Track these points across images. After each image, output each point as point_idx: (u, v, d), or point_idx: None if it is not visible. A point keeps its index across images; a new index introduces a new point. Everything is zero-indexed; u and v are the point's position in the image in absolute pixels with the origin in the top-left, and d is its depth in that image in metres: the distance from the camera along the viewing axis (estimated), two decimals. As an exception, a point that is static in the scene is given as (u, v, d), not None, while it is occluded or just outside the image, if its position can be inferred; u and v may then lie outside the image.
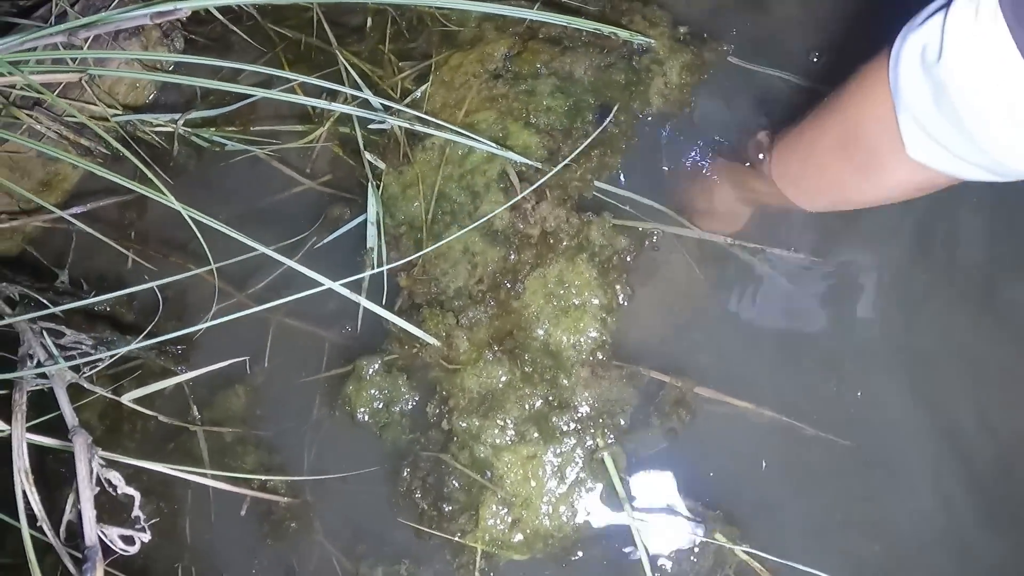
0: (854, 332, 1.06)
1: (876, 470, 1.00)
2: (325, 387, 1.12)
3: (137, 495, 0.81)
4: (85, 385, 0.95)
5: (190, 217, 0.88)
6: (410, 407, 1.06)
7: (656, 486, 1.01)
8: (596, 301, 1.04)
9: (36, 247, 1.35)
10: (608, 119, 1.12)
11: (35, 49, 1.07)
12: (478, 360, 1.03)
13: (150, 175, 0.91)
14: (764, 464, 1.01)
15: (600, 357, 1.02)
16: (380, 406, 1.07)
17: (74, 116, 1.27)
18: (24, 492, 0.82)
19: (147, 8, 0.97)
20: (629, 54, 1.16)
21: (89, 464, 0.82)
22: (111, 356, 1.10)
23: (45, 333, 0.99)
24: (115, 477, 0.83)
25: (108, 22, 1.01)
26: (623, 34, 1.13)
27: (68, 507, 0.84)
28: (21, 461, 0.83)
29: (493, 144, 1.07)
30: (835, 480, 1.01)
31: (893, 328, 1.05)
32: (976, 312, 1.05)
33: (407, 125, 1.07)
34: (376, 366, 1.07)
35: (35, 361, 0.95)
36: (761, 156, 0.98)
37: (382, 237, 1.10)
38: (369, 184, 1.09)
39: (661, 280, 1.08)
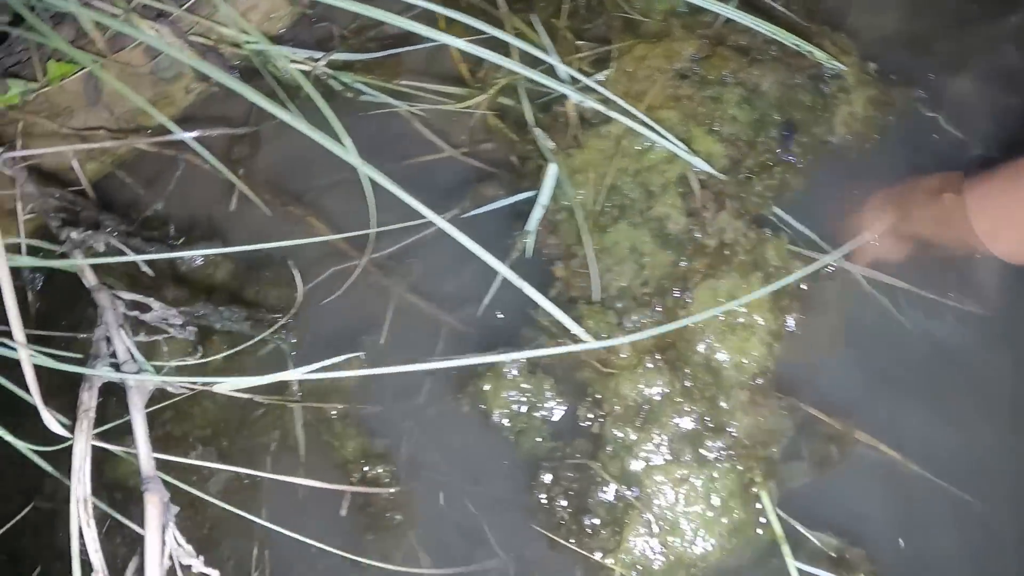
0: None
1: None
2: (446, 378, 1.05)
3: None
4: (170, 389, 0.80)
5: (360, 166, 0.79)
6: (555, 415, 1.00)
7: (806, 524, 0.96)
8: (763, 323, 0.99)
9: (129, 172, 1.27)
10: (793, 136, 1.08)
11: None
12: (638, 366, 0.97)
13: (283, 107, 0.81)
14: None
15: (760, 383, 0.97)
16: (521, 409, 1.00)
17: (201, 37, 1.20)
18: (80, 530, 0.65)
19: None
20: (817, 77, 1.13)
21: (162, 534, 0.65)
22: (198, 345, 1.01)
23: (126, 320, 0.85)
24: (189, 554, 0.67)
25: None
26: (819, 55, 1.10)
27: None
28: (81, 488, 0.66)
29: (680, 144, 1.02)
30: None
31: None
32: None
33: (592, 103, 1.01)
34: (521, 365, 1.00)
35: (111, 351, 0.80)
36: (951, 193, 0.94)
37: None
38: (549, 162, 1.03)
39: (831, 314, 1.03)
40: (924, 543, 0.96)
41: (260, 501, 1.03)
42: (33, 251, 0.99)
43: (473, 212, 1.08)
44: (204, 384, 0.77)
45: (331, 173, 1.14)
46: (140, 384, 0.73)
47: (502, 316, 1.06)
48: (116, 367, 0.76)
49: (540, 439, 0.99)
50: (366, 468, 1.03)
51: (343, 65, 1.19)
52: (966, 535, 0.96)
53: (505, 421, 1.00)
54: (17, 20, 1.06)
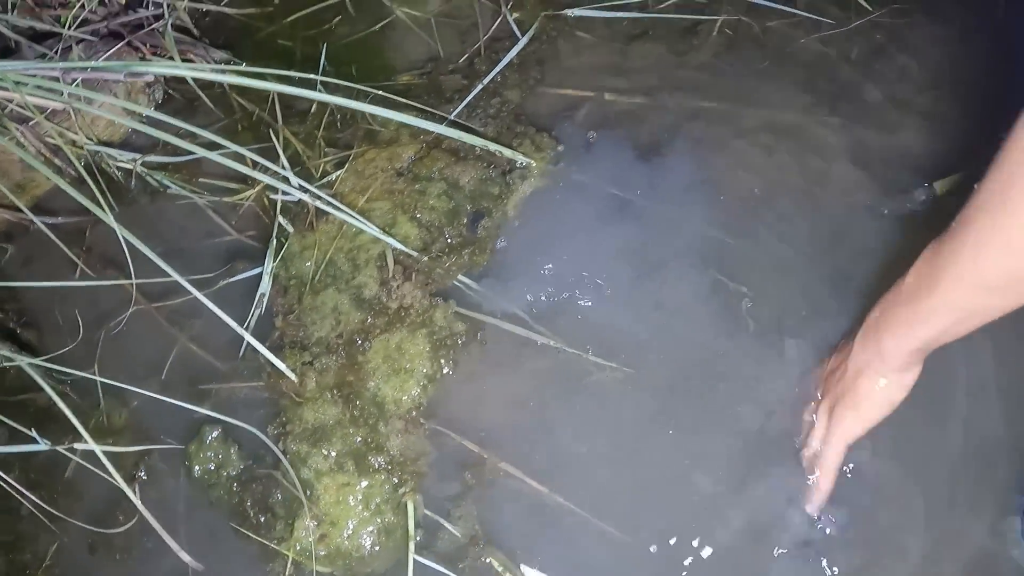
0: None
1: None
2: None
3: None
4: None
5: (124, 239, 1.24)
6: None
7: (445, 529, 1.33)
8: (424, 370, 1.38)
9: None
10: (480, 222, 1.49)
11: (36, 76, 1.47)
12: (319, 398, 1.37)
13: (101, 202, 1.27)
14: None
15: (414, 415, 1.36)
16: (212, 467, 1.40)
17: (54, 138, 1.67)
18: None
19: (125, 66, 1.38)
20: (509, 170, 1.54)
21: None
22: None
23: None
24: None
25: (97, 69, 1.42)
26: (507, 152, 1.51)
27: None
28: None
29: (379, 230, 1.43)
30: None
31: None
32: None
33: (318, 204, 1.44)
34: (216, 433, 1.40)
35: None
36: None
37: (273, 283, 1.47)
38: (271, 241, 1.47)
39: (485, 366, 1.42)
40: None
41: None
42: None
43: (228, 280, 1.51)
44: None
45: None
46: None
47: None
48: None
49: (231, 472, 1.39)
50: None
51: (158, 165, 1.65)
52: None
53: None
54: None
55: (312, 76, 1.38)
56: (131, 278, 1.56)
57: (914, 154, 1.57)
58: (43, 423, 1.34)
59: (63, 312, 1.57)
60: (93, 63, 1.33)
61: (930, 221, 1.26)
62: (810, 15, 1.78)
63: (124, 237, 1.22)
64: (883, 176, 1.55)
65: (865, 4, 1.77)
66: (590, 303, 1.43)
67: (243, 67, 1.74)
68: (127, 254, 1.28)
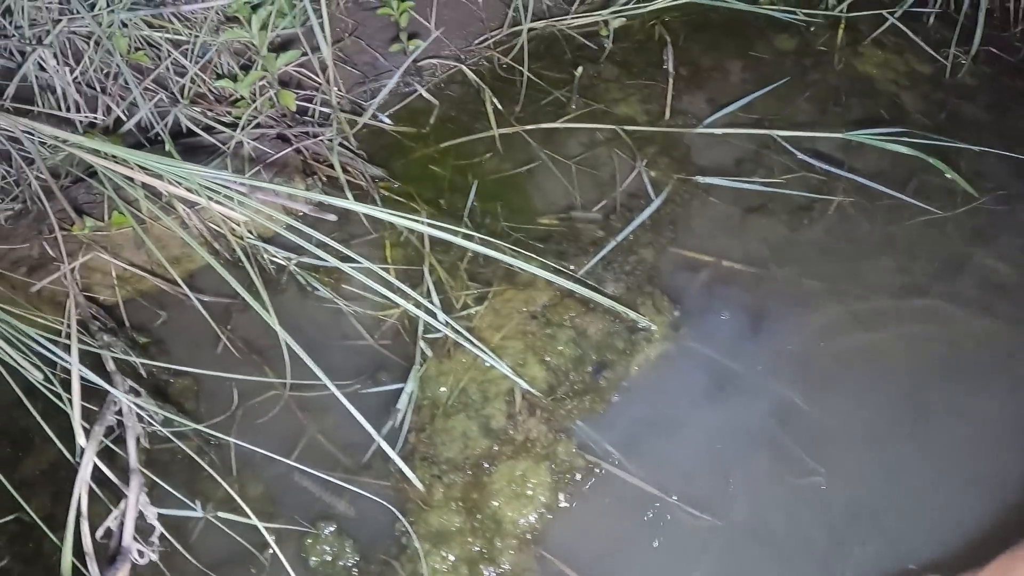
0: None
1: None
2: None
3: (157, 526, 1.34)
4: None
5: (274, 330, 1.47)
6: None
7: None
8: (542, 498, 1.59)
9: (148, 300, 1.97)
10: (602, 373, 1.71)
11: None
12: (444, 507, 1.58)
13: (261, 293, 1.50)
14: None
15: (528, 537, 1.57)
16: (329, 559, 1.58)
17: (218, 227, 1.93)
18: (79, 503, 1.26)
19: (308, 195, 1.63)
20: (633, 329, 1.76)
21: (137, 497, 1.33)
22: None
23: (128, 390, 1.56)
24: (152, 515, 1.34)
25: (283, 194, 1.68)
26: (632, 315, 1.73)
27: (112, 519, 1.33)
28: (86, 472, 1.29)
29: (510, 369, 1.66)
30: None
31: None
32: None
33: (456, 337, 1.68)
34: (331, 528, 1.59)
35: (117, 408, 1.49)
36: None
37: (411, 402, 1.70)
38: (414, 367, 1.70)
39: (597, 505, 1.62)
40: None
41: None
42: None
43: (367, 390, 1.74)
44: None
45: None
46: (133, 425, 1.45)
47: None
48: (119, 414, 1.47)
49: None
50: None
51: (309, 266, 1.90)
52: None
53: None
54: (92, 171, 1.80)
55: (456, 229, 1.62)
56: (270, 365, 1.82)
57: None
58: (177, 479, 1.57)
59: (206, 386, 1.80)
60: (280, 187, 1.55)
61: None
62: (916, 201, 2.00)
63: (275, 328, 1.40)
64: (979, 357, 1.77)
65: (971, 190, 1.98)
66: (695, 465, 1.64)
67: (396, 186, 2.02)
68: (276, 342, 1.46)
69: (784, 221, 2.01)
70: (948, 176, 1.95)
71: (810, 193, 2.04)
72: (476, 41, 2.36)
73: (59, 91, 1.96)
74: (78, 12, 1.91)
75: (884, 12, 2.35)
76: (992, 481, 1.61)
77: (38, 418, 1.38)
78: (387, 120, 2.19)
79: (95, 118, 2.00)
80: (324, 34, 1.77)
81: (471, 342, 1.55)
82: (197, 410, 1.76)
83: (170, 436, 1.54)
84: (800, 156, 2.07)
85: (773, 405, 1.71)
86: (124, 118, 2.00)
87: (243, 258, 1.67)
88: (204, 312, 1.70)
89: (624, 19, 2.31)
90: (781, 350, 1.77)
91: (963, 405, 1.71)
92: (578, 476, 1.61)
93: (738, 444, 1.66)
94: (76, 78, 1.98)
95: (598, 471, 1.63)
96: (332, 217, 1.37)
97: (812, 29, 2.38)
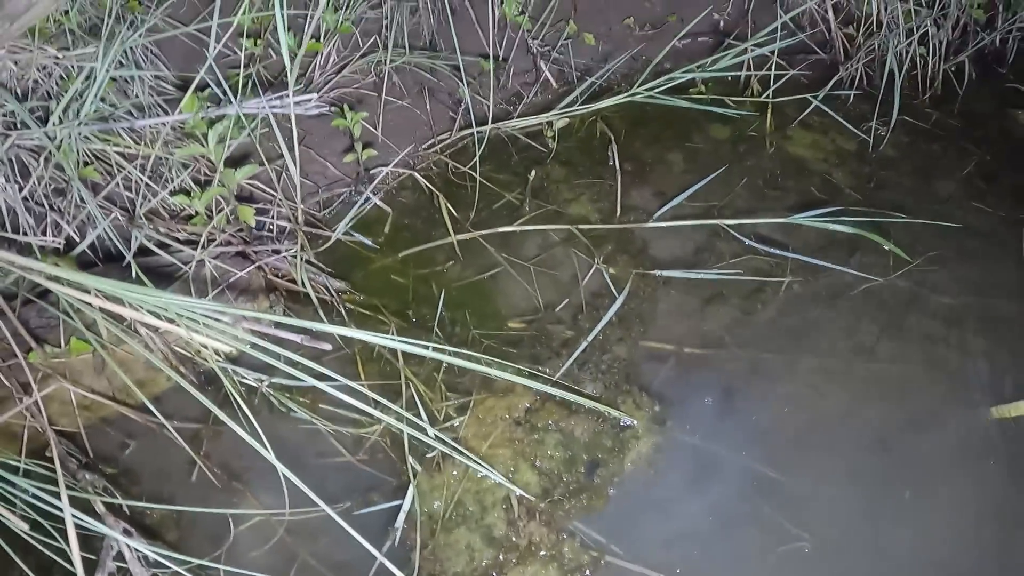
0: None
1: None
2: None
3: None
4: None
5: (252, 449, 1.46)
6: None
7: None
8: (554, 602, 1.61)
9: (109, 426, 1.90)
10: (595, 471, 1.74)
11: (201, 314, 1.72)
12: (457, 627, 1.58)
13: (237, 413, 1.47)
14: None
15: (544, 647, 1.58)
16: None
17: (183, 350, 1.90)
18: None
19: (301, 328, 1.63)
20: (617, 426, 1.80)
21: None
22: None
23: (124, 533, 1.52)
24: None
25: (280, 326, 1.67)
26: (614, 413, 1.78)
27: None
28: None
29: (503, 477, 1.68)
30: None
31: None
32: None
33: (445, 450, 1.69)
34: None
35: (115, 552, 1.48)
36: None
37: (414, 518, 1.70)
38: (411, 483, 1.70)
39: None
40: None
41: None
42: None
43: (359, 511, 1.74)
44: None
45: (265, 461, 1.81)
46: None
47: None
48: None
49: None
50: None
51: (281, 387, 1.89)
52: None
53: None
54: (42, 291, 1.75)
55: (427, 344, 1.64)
56: (251, 490, 1.79)
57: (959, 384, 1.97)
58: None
59: (187, 514, 1.74)
60: (276, 317, 1.54)
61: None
62: (857, 271, 2.15)
63: (257, 447, 1.34)
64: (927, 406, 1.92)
65: (904, 256, 2.11)
66: (692, 546, 1.69)
67: (361, 298, 2.04)
68: (254, 466, 1.46)
69: (737, 305, 2.10)
70: (885, 247, 2.07)
71: (760, 277, 2.14)
72: (423, 146, 2.41)
73: (4, 209, 1.91)
74: (27, 125, 1.86)
75: (808, 96, 2.49)
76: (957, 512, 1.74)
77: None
78: (367, 240, 2.21)
79: (46, 241, 1.94)
80: (293, 155, 1.78)
81: (462, 453, 1.58)
82: (179, 541, 1.72)
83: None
84: (748, 242, 2.18)
85: (751, 478, 1.79)
86: (76, 237, 1.95)
87: (213, 381, 1.65)
88: (178, 438, 1.67)
89: (567, 119, 2.39)
90: (749, 424, 1.86)
91: (914, 442, 1.86)
92: (587, 572, 1.64)
93: (729, 520, 1.73)
94: (24, 196, 1.93)
95: (603, 566, 1.66)
96: (327, 346, 1.37)
97: (743, 116, 2.50)
